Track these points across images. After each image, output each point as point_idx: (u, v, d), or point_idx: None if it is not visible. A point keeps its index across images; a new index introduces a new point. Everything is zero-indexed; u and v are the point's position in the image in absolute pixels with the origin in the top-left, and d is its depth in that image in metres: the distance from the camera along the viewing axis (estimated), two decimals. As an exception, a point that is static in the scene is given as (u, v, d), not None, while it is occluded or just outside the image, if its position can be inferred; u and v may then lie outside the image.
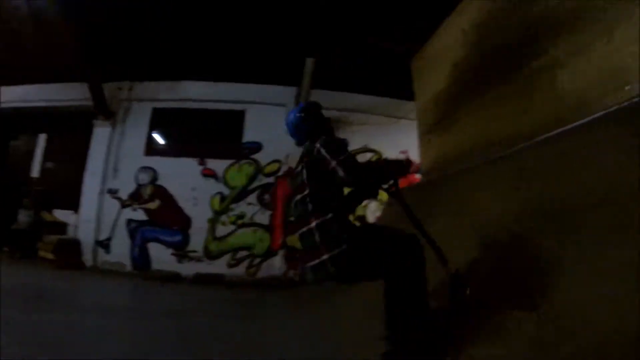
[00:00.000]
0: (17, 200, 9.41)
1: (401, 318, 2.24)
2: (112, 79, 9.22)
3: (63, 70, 9.10)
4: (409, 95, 7.20)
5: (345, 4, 6.47)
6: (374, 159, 8.92)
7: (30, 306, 4.33)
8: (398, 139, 8.53)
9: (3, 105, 9.88)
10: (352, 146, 8.78)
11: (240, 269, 8.22)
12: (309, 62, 7.78)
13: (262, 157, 8.72)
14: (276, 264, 8.23)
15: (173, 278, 7.65)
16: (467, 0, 5.30)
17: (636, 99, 2.65)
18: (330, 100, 8.41)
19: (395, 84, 8.01)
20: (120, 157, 8.86)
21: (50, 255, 7.99)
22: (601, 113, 2.92)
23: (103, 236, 8.62)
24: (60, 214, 9.38)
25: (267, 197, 8.54)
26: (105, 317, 4.17)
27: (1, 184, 9.44)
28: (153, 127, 9.13)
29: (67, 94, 9.53)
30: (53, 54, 8.73)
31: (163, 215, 8.45)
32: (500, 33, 4.47)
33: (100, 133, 9.09)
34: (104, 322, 3.93)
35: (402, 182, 7.60)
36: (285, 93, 8.75)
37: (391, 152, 8.65)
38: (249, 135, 8.88)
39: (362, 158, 8.72)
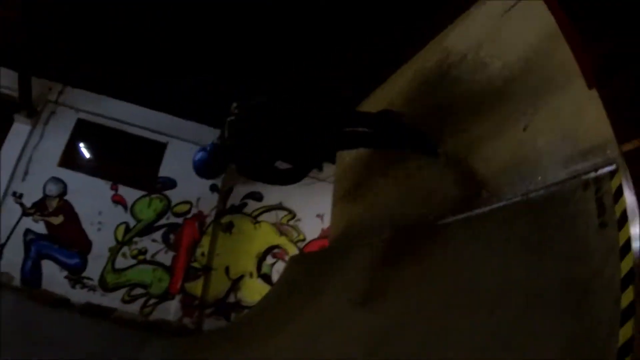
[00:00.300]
0: None
1: None
2: (45, 75, 8.78)
3: None
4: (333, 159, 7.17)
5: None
6: (285, 219, 8.83)
7: None
8: (315, 201, 8.57)
9: None
10: (267, 201, 8.80)
11: (135, 307, 7.97)
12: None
13: (174, 195, 8.59)
14: (172, 309, 8.06)
15: (61, 302, 7.36)
16: (399, 73, 5.54)
17: (542, 191, 2.62)
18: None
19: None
20: (33, 160, 8.39)
21: None
22: (501, 204, 2.93)
23: None
24: None
25: (172, 237, 8.39)
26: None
27: None
28: (74, 137, 8.76)
29: None
30: None
31: (64, 233, 8.03)
32: (423, 107, 4.58)
33: (19, 129, 8.60)
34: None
35: (313, 246, 7.64)
36: (207, 132, 8.54)
37: (306, 213, 8.69)
38: (165, 170, 8.73)
39: (275, 216, 8.71)
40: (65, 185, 8.16)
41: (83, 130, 8.81)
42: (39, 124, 8.68)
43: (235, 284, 8.36)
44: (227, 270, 8.39)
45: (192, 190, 8.46)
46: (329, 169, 7.55)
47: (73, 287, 7.83)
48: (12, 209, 8.11)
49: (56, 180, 8.19)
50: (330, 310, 4.02)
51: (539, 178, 2.82)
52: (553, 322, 1.88)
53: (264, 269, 8.47)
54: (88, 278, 7.86)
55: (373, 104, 6.03)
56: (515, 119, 3.21)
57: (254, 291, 8.13)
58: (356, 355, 2.95)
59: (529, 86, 3.22)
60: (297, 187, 8.42)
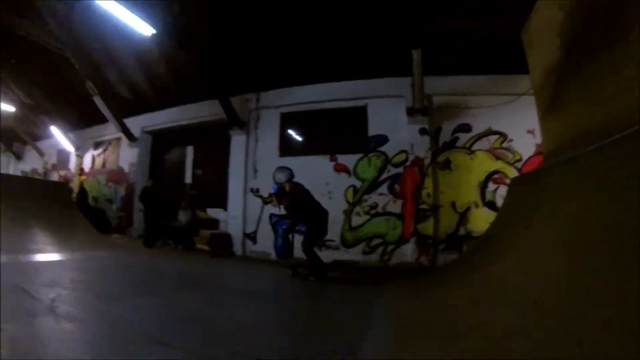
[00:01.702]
0: (176, 202, 11.70)
1: None
2: (238, 92, 10.80)
3: (196, 92, 11.32)
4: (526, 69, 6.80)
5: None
6: (497, 143, 8.88)
7: (188, 288, 5.69)
8: (522, 118, 8.21)
9: (156, 128, 13.04)
10: (476, 130, 8.91)
11: (375, 256, 8.94)
12: (416, 54, 7.98)
13: (388, 149, 9.22)
14: (408, 251, 8.74)
15: None
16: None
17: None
18: (445, 86, 8.86)
19: (509, 59, 7.60)
20: (257, 160, 10.36)
21: (206, 247, 9.88)
22: None
23: (249, 229, 10.21)
24: (212, 212, 11.48)
25: (396, 187, 9.05)
26: (252, 299, 5.18)
27: (163, 191, 11.47)
28: (283, 130, 10.38)
29: (204, 111, 11.55)
30: (185, 81, 11.17)
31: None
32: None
33: (237, 141, 10.75)
34: (250, 303, 4.87)
35: (530, 164, 7.63)
36: (401, 84, 9.06)
37: (516, 132, 8.50)
38: (373, 129, 9.43)
39: (487, 142, 8.82)
40: (290, 171, 9.51)
41: (288, 121, 10.45)
42: (251, 131, 10.63)
43: (463, 216, 8.61)
44: (453, 205, 8.64)
45: (403, 139, 9.04)
46: (525, 81, 7.16)
47: (319, 250, 9.06)
48: (254, 203, 10.20)
49: (281, 168, 9.52)
50: (540, 238, 3.74)
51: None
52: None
53: (488, 197, 8.48)
54: (331, 240, 9.07)
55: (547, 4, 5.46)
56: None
57: (482, 220, 8.23)
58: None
59: None
60: (502, 108, 8.69)
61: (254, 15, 8.53)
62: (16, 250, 6.60)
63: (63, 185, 13.17)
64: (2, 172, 24.59)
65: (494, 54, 8.02)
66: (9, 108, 17.24)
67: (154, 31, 8.36)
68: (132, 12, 7.83)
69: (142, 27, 8.23)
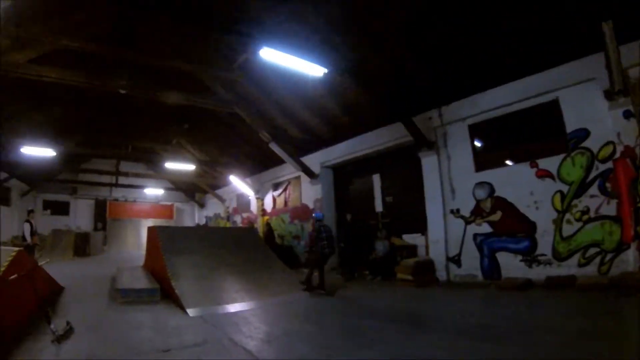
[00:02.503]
0: (372, 233, 13.46)
1: None
2: (417, 111, 12.06)
3: (374, 120, 13.21)
4: None
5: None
6: None
7: (403, 325, 6.49)
8: None
9: (336, 161, 15.49)
10: None
11: (592, 268, 8.70)
12: (607, 27, 7.35)
13: (592, 143, 8.85)
14: (630, 259, 8.15)
15: (525, 284, 9.12)
16: None
17: None
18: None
19: None
20: (453, 179, 11.40)
21: (409, 277, 10.86)
22: None
23: (452, 253, 11.27)
24: (408, 238, 12.87)
25: (608, 185, 8.63)
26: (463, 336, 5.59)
27: (358, 223, 13.08)
28: (474, 143, 11.19)
29: (384, 137, 13.28)
30: (360, 112, 13.25)
31: (507, 225, 10.13)
32: None
33: (429, 162, 12.01)
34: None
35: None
36: (590, 65, 8.61)
37: None
38: (571, 124, 9.20)
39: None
40: (490, 185, 10.39)
41: (477, 132, 11.18)
42: (440, 149, 11.79)
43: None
44: (681, 198, 8.02)
45: (607, 128, 8.57)
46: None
47: (530, 266, 9.62)
48: (456, 224, 11.28)
49: (480, 184, 10.60)
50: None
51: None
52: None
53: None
54: (541, 255, 9.43)
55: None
56: None
57: None
58: None
59: None
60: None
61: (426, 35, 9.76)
62: (224, 300, 8.55)
63: (251, 229, 15.73)
64: (189, 218, 29.75)
65: None
66: (189, 167, 21.74)
67: (325, 70, 9.72)
68: (302, 57, 9.23)
69: (314, 70, 9.64)
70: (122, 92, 12.65)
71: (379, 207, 14.10)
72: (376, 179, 14.25)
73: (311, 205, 16.83)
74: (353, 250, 13.29)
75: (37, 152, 16.45)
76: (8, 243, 20.20)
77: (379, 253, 12.60)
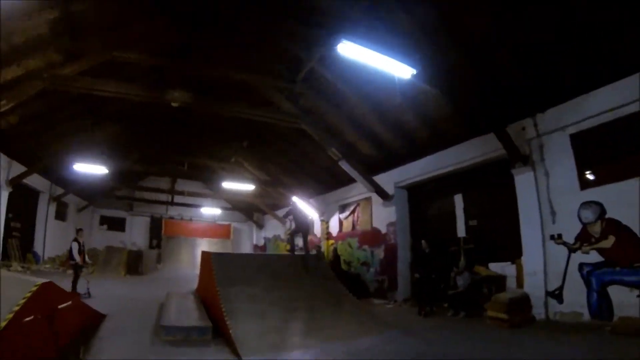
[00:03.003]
0: (451, 262, 12.18)
1: None
2: (511, 120, 10.89)
3: (459, 132, 12.17)
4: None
5: None
6: None
7: None
8: None
9: (411, 181, 14.53)
10: None
11: None
12: None
13: None
14: None
15: None
16: None
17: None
18: None
19: None
20: (553, 199, 9.97)
21: (504, 315, 9.47)
22: None
23: (553, 286, 9.80)
24: (495, 267, 11.50)
25: None
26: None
27: (436, 252, 12.05)
28: (578, 155, 9.69)
29: (469, 153, 12.14)
30: (442, 125, 12.41)
31: (621, 252, 8.64)
32: None
33: (523, 179, 10.65)
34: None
35: None
36: None
37: None
38: None
39: None
40: (599, 205, 9.02)
41: (581, 142, 9.65)
42: (536, 164, 10.39)
43: None
44: None
45: None
46: None
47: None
48: (557, 252, 9.79)
49: (587, 204, 9.22)
50: None
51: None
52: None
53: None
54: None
55: None
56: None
57: None
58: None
59: None
60: None
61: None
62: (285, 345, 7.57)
63: (316, 256, 14.69)
64: (246, 239, 29.95)
65: None
66: (248, 187, 21.47)
67: (414, 71, 8.92)
68: (387, 55, 8.57)
69: (400, 70, 8.91)
70: (175, 104, 12.16)
71: (461, 231, 12.96)
72: (458, 199, 13.19)
73: (383, 230, 15.80)
74: (432, 281, 11.93)
75: (89, 169, 16.90)
76: (55, 259, 21.27)
77: (460, 287, 11.36)
